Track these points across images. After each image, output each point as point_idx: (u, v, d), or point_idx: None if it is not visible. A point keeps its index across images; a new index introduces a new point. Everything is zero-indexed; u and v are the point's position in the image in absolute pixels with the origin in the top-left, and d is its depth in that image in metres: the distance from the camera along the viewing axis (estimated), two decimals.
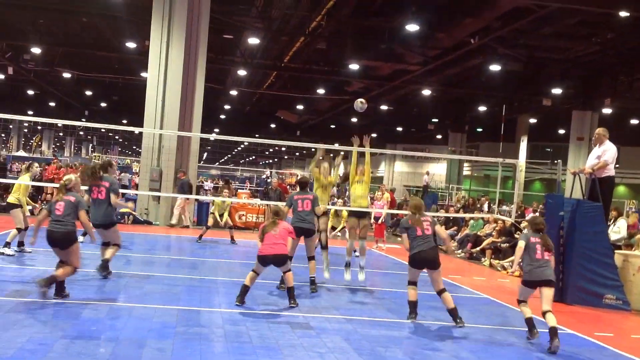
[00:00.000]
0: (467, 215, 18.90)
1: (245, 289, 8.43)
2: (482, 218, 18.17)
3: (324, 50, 24.79)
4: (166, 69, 18.79)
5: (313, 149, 66.62)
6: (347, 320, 8.09)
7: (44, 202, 18.71)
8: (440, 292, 8.38)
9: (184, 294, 8.98)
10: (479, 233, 17.48)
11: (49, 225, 7.92)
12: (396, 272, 13.42)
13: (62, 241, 7.87)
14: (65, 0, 21.27)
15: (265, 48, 25.21)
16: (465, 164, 43.21)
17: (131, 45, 24.56)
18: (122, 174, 30.91)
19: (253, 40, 23.01)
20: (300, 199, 9.86)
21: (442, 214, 20.33)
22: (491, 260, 15.73)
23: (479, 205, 22.73)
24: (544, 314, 7.63)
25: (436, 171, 45.09)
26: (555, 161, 13.53)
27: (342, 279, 10.76)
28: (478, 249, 16.76)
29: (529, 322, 7.79)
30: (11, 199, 11.43)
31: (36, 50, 27.18)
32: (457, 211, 21.12)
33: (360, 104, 11.48)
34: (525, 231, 9.02)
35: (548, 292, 7.73)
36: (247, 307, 8.37)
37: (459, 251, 17.58)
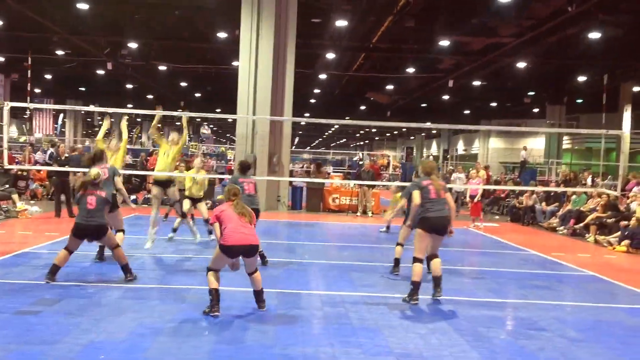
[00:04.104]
0: (570, 190, 18.16)
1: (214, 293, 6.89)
2: (585, 192, 17.42)
3: (412, 28, 24.29)
4: (257, 56, 19.06)
5: (404, 129, 66.18)
6: (447, 301, 7.96)
7: (148, 191, 19.39)
8: (432, 257, 7.99)
9: (282, 277, 9.12)
10: (582, 208, 16.79)
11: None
12: (495, 250, 13.12)
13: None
14: None
15: (353, 30, 24.98)
16: (565, 137, 41.48)
17: (222, 35, 25.02)
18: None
19: (341, 23, 22.91)
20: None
21: (541, 188, 19.65)
22: (596, 236, 15.10)
23: (582, 180, 21.78)
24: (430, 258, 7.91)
25: (534, 146, 43.58)
26: None
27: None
28: (582, 224, 16.11)
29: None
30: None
31: (133, 45, 28.22)
32: (558, 185, 20.35)
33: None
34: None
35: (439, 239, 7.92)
36: (344, 290, 8.41)
37: (562, 227, 16.94)
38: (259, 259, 8.54)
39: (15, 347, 5.53)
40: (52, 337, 5.82)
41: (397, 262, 9.59)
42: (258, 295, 7.16)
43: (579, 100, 39.27)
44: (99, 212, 8.18)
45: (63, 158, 16.28)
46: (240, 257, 7.00)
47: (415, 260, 7.78)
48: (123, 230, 9.61)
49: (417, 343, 6.14)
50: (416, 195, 7.85)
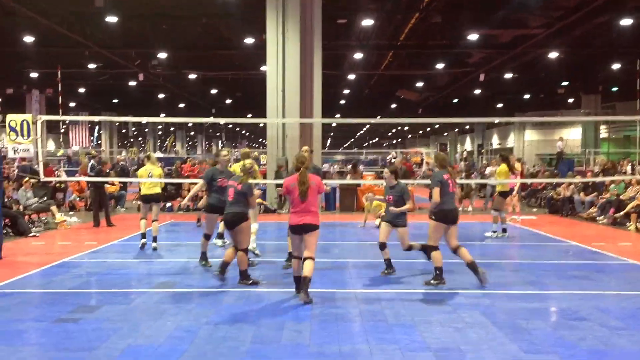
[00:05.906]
0: (608, 179, 17.79)
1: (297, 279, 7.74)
2: (624, 180, 17.04)
3: (440, 23, 24.07)
4: (284, 60, 19.11)
5: (436, 126, 65.67)
6: (484, 295, 7.87)
7: (183, 198, 19.57)
8: (457, 248, 8.36)
9: (317, 277, 9.06)
10: (622, 197, 16.44)
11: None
12: (533, 243, 12.93)
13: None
14: (184, 6, 22.13)
15: (380, 28, 24.92)
16: (602, 126, 40.70)
17: (249, 41, 25.15)
18: None
19: (367, 22, 22.86)
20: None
21: (579, 179, 19.30)
22: (637, 224, 14.77)
23: (620, 169, 21.34)
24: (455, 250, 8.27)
25: (570, 137, 42.86)
26: None
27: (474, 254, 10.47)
28: (622, 213, 15.77)
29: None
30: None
31: (162, 56, 28.59)
32: (596, 175, 19.97)
33: None
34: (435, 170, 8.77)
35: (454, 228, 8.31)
36: (380, 287, 8.37)
37: (601, 217, 16.62)
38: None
39: (54, 354, 5.63)
40: (90, 343, 5.90)
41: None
42: (302, 280, 7.43)
43: (614, 89, 38.48)
44: (237, 202, 8.49)
45: (108, 170, 16.51)
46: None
47: (433, 249, 8.39)
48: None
49: (455, 337, 6.07)
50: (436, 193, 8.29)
